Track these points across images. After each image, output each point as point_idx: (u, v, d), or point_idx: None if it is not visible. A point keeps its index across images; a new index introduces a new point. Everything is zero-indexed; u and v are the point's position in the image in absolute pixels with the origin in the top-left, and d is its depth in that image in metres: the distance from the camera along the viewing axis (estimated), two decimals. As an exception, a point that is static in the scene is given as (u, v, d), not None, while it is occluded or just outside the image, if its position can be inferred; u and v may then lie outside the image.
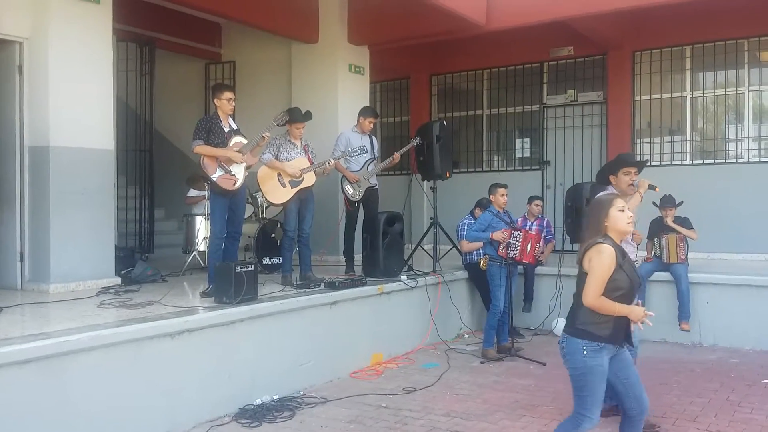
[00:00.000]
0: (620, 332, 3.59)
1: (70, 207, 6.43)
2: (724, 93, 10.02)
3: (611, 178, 5.07)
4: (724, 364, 6.81)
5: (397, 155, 7.99)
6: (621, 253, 3.57)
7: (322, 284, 6.60)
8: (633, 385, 3.66)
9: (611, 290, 3.51)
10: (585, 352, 3.52)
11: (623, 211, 3.63)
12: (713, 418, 5.09)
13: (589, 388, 3.54)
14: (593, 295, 3.49)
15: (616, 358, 3.60)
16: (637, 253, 5.11)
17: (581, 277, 3.60)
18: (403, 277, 7.38)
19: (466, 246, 7.84)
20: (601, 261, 3.49)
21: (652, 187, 5.16)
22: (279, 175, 6.87)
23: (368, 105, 9.23)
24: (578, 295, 3.61)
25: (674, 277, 7.60)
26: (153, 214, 9.95)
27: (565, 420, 3.67)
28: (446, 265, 8.36)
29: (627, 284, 3.55)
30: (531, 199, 8.71)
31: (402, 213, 7.99)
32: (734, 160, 9.92)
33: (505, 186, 7.32)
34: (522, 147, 11.76)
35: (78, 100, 6.51)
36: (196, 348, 5.01)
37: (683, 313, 7.54)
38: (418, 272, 7.76)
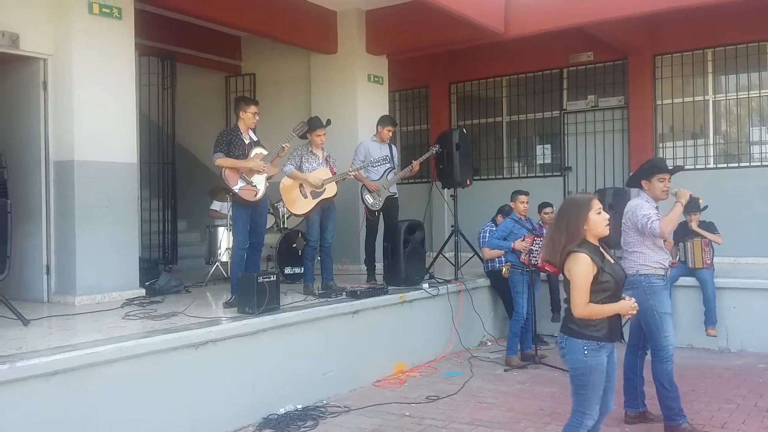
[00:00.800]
0: (616, 330, 3.62)
1: (95, 220, 6.52)
2: (747, 95, 9.91)
3: (644, 183, 5.01)
4: (752, 369, 6.71)
5: (416, 164, 8.00)
6: (599, 256, 3.56)
7: (344, 293, 6.62)
8: (607, 390, 3.69)
9: (598, 292, 3.52)
10: (585, 352, 3.55)
11: (600, 213, 3.60)
12: (741, 424, 5.01)
13: (589, 386, 3.57)
14: (581, 306, 3.50)
15: (609, 358, 3.63)
16: (669, 260, 5.02)
17: (566, 283, 3.61)
18: (425, 285, 7.37)
19: (488, 253, 7.81)
20: (578, 271, 3.49)
21: (694, 200, 5.06)
22: (301, 186, 6.91)
23: (387, 114, 9.26)
24: (569, 300, 3.62)
25: (700, 282, 7.50)
26: (176, 226, 10.05)
27: (567, 423, 3.69)
28: (468, 273, 8.34)
29: (613, 285, 3.56)
30: (541, 207, 8.34)
31: (423, 221, 7.99)
32: (759, 163, 9.79)
33: (526, 193, 7.29)
34: (543, 153, 11.71)
35: (102, 115, 6.62)
36: (219, 358, 5.04)
37: (710, 319, 7.44)
38: (440, 280, 7.75)
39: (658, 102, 10.44)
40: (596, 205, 3.61)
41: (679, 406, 4.77)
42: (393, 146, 8.23)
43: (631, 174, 5.27)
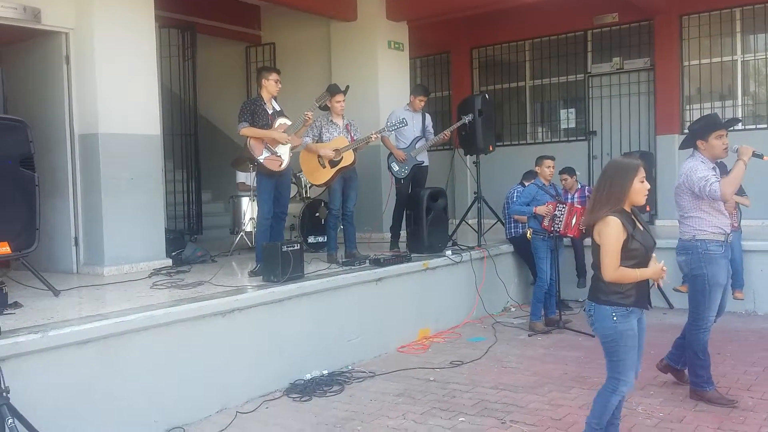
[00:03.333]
0: (644, 296, 3.58)
1: (121, 192, 6.60)
2: (776, 54, 9.67)
3: (699, 143, 4.69)
4: (781, 333, 6.66)
5: (447, 132, 7.95)
6: (630, 223, 3.49)
7: (367, 261, 6.66)
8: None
9: (626, 259, 3.47)
10: (615, 318, 3.51)
11: (643, 182, 3.53)
12: (768, 387, 4.99)
13: (622, 352, 3.53)
14: (611, 270, 3.45)
15: (638, 323, 3.59)
16: (730, 224, 4.76)
17: (595, 249, 3.55)
18: (448, 252, 7.38)
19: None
20: (608, 234, 3.43)
21: (758, 156, 4.73)
22: (319, 156, 6.92)
23: (412, 82, 9.18)
24: (597, 266, 3.57)
25: (727, 246, 7.40)
26: (200, 197, 10.13)
27: (601, 388, 3.66)
28: (491, 240, 8.33)
29: (642, 252, 3.50)
30: (561, 173, 8.20)
31: (445, 188, 7.97)
32: (789, 124, 9.59)
33: (552, 158, 7.19)
34: (567, 117, 11.57)
35: (124, 88, 6.65)
36: (246, 326, 5.13)
37: (737, 282, 7.35)
38: (463, 247, 7.75)
39: (685, 63, 10.23)
40: (642, 172, 3.53)
41: (709, 374, 4.72)
42: (427, 115, 8.17)
43: (686, 136, 4.92)
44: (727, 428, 4.23)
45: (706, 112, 10.06)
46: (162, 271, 6.50)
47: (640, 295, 3.55)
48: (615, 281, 3.48)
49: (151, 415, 4.44)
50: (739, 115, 9.90)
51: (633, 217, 3.56)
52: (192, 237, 8.73)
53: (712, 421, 4.33)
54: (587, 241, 8.18)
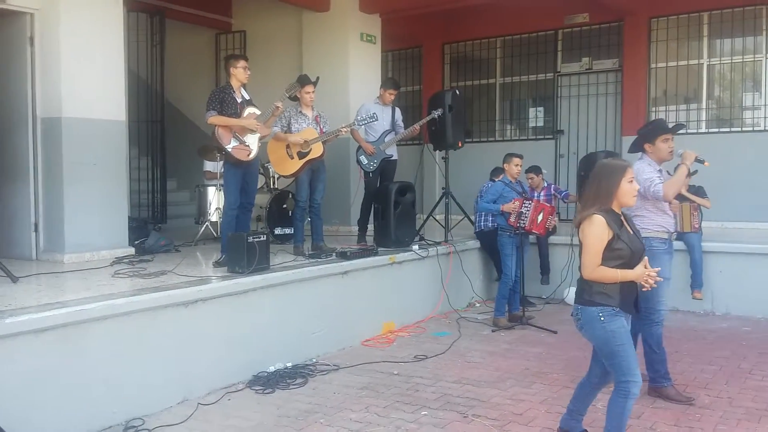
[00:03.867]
0: (628, 301, 3.56)
1: (83, 178, 6.47)
2: (741, 60, 9.86)
3: (647, 146, 4.89)
4: (736, 332, 6.81)
5: (417, 126, 7.94)
6: (617, 223, 3.51)
7: (334, 254, 6.64)
8: None
9: (611, 259, 3.46)
10: (602, 318, 3.48)
11: (632, 182, 3.56)
12: (724, 385, 5.10)
13: (621, 352, 3.49)
14: (590, 268, 3.46)
15: None
16: (674, 224, 4.98)
17: (581, 247, 3.58)
18: (415, 247, 7.40)
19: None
20: (591, 232, 3.45)
21: (700, 161, 4.91)
22: (287, 146, 6.87)
23: (384, 75, 9.16)
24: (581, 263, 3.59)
25: (687, 246, 7.56)
26: (165, 185, 10.00)
27: (612, 396, 3.58)
28: (458, 235, 8.37)
29: (627, 253, 3.49)
30: (527, 172, 8.38)
31: (414, 183, 7.98)
32: (750, 129, 9.80)
33: (520, 156, 7.25)
34: (536, 116, 11.66)
35: (89, 72, 6.51)
36: (209, 317, 5.07)
37: (696, 282, 7.52)
38: (430, 242, 7.78)
39: (653, 65, 10.38)
40: (630, 173, 3.56)
41: (666, 369, 4.82)
42: (397, 109, 8.15)
43: (635, 140, 5.11)
44: (683, 425, 4.32)
45: (671, 114, 10.27)
46: (124, 260, 6.40)
47: (625, 298, 3.53)
48: (594, 280, 3.47)
49: (111, 406, 4.37)
50: (703, 118, 10.09)
51: (622, 218, 3.57)
52: (156, 226, 8.61)
53: (669, 419, 4.42)
54: (552, 239, 8.36)
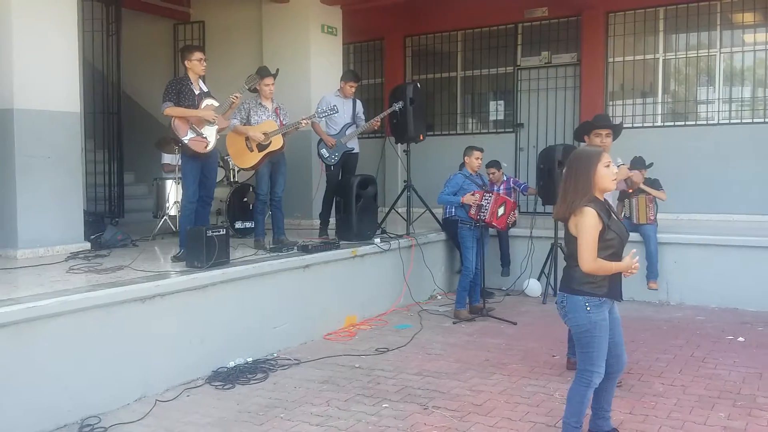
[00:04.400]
0: (616, 288, 3.62)
1: (37, 171, 6.30)
2: (696, 55, 10.07)
3: (585, 138, 5.11)
4: (690, 321, 6.97)
5: (378, 119, 7.92)
6: (606, 212, 3.52)
7: (295, 248, 6.60)
8: (617, 344, 3.73)
9: (602, 249, 3.49)
10: (588, 308, 3.52)
11: (609, 166, 3.55)
12: (678, 373, 5.22)
13: (595, 343, 3.54)
14: (589, 260, 3.45)
15: (609, 315, 3.64)
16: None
17: (570, 239, 3.58)
18: (377, 240, 7.40)
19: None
20: (585, 225, 3.44)
21: (629, 183, 5.17)
22: (247, 139, 6.79)
23: (345, 67, 9.14)
24: (571, 257, 3.60)
25: (643, 238, 7.71)
26: (122, 178, 9.80)
27: (573, 384, 3.65)
28: (420, 228, 8.39)
29: (617, 242, 3.54)
30: (488, 167, 8.44)
31: (376, 176, 7.97)
32: (704, 122, 10.01)
33: (481, 149, 7.29)
34: (496, 109, 11.75)
35: (42, 62, 6.34)
36: (167, 312, 5.00)
37: (651, 273, 7.67)
38: (392, 235, 7.79)
39: (610, 59, 10.54)
40: (606, 158, 3.55)
41: None
42: (358, 101, 8.11)
43: (576, 129, 5.34)
44: (638, 413, 4.40)
45: (628, 108, 10.47)
46: (79, 255, 6.26)
47: (613, 286, 3.58)
48: (593, 272, 3.48)
49: (66, 404, 4.29)
50: (659, 112, 10.28)
51: (608, 208, 3.59)
52: (113, 220, 8.46)
53: (624, 406, 4.50)
54: (513, 231, 8.44)
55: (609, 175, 3.53)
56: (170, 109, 5.97)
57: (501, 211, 6.94)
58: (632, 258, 3.55)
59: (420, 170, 9.78)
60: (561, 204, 3.57)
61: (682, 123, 10.12)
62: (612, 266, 3.51)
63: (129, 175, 10.46)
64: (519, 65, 11.29)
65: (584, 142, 5.19)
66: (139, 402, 4.68)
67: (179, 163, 7.19)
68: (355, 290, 7.01)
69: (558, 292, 3.75)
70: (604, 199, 3.61)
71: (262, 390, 4.95)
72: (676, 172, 9.14)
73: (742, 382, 4.99)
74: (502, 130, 11.50)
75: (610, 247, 3.52)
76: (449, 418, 4.34)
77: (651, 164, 8.05)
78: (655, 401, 4.61)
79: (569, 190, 3.53)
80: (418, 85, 8.28)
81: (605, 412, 3.85)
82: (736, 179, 9.45)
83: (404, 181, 8.56)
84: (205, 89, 6.22)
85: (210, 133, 6.11)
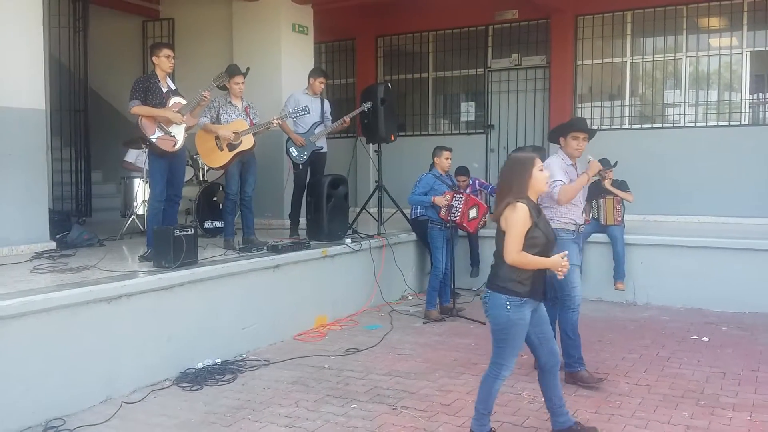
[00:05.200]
0: (539, 288, 3.73)
1: (0, 169, 6.17)
2: (663, 58, 10.22)
3: (561, 140, 5.14)
4: (656, 321, 7.08)
5: (347, 119, 7.90)
6: (536, 211, 3.68)
7: (265, 248, 6.56)
8: (548, 340, 3.85)
9: (528, 247, 3.62)
10: (508, 307, 3.64)
11: (542, 170, 3.74)
12: (643, 372, 5.29)
13: (510, 340, 3.68)
14: (514, 252, 3.58)
15: (534, 313, 3.75)
16: (583, 217, 5.19)
17: (500, 236, 3.72)
18: (348, 240, 7.39)
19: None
20: (516, 218, 3.59)
21: (601, 176, 5.23)
22: (216, 138, 6.74)
23: (314, 65, 9.08)
24: (498, 254, 3.73)
25: (610, 239, 7.81)
26: (90, 177, 9.67)
27: (484, 375, 3.80)
28: (391, 228, 8.40)
29: (543, 241, 3.67)
30: (457, 175, 8.26)
31: (347, 176, 7.96)
32: (671, 125, 10.18)
33: (449, 149, 7.34)
34: (467, 111, 11.81)
35: (5, 58, 6.21)
36: (134, 313, 4.94)
37: (618, 273, 7.78)
38: (363, 235, 7.78)
39: (579, 62, 10.65)
40: (539, 162, 3.75)
41: (580, 354, 5.00)
42: (326, 100, 8.09)
43: (551, 130, 5.38)
44: (604, 412, 4.46)
45: (597, 110, 10.58)
46: (44, 255, 6.14)
47: (535, 286, 3.69)
48: (516, 264, 3.59)
49: (29, 406, 4.22)
50: (627, 114, 10.42)
51: (540, 208, 3.74)
52: (79, 219, 8.33)
53: (590, 406, 4.56)
54: (482, 232, 8.47)
55: (542, 178, 3.73)
56: (137, 108, 5.90)
57: (473, 213, 6.94)
58: (562, 258, 3.67)
59: (391, 170, 9.79)
60: (498, 205, 3.75)
61: (650, 125, 10.27)
62: (537, 261, 3.64)
63: (96, 174, 10.32)
64: (489, 67, 11.36)
65: (558, 144, 5.21)
66: (105, 404, 4.62)
67: (145, 165, 7.11)
68: (326, 290, 6.99)
69: (485, 288, 3.87)
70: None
71: (231, 391, 4.91)
72: (643, 174, 9.27)
73: (706, 381, 5.08)
74: (473, 131, 11.56)
75: (536, 245, 3.64)
76: (417, 418, 4.35)
77: (616, 163, 8.12)
78: (621, 401, 4.67)
79: (505, 191, 3.73)
80: (390, 86, 8.29)
81: (559, 408, 3.92)
82: (703, 181, 9.62)
83: (375, 182, 8.56)
84: (173, 87, 6.16)
85: (178, 132, 6.05)
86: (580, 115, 10.47)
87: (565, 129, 5.16)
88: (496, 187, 3.84)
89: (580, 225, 5.12)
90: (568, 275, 4.87)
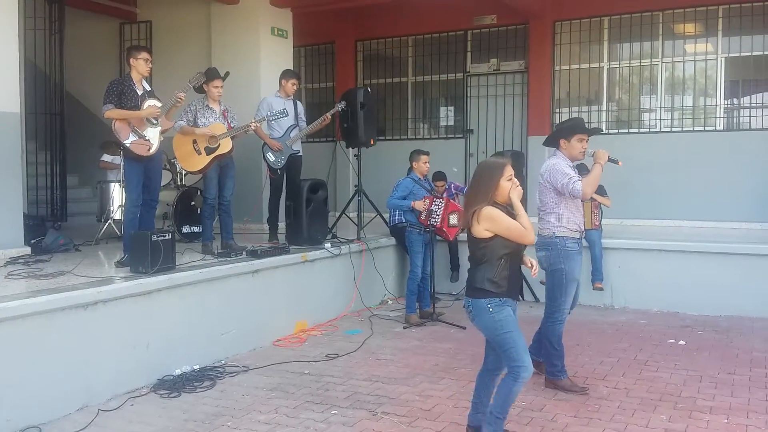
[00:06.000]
0: (515, 287, 3.77)
1: (-27, 173, 6.09)
2: (639, 64, 10.34)
3: (562, 142, 4.93)
4: (634, 325, 7.14)
5: (328, 116, 7.84)
6: (507, 213, 3.70)
7: (244, 253, 6.51)
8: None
9: (501, 247, 3.64)
10: (490, 309, 3.65)
11: (510, 180, 3.71)
12: (621, 376, 5.33)
13: (509, 339, 3.65)
14: (528, 228, 3.63)
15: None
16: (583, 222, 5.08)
17: (472, 242, 3.73)
18: (327, 245, 7.36)
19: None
20: (494, 214, 3.62)
21: (613, 161, 4.97)
22: (194, 141, 6.68)
23: (302, 71, 9.03)
24: (473, 259, 3.76)
25: (588, 243, 7.84)
26: (65, 181, 9.54)
27: (503, 379, 3.76)
28: (371, 233, 8.39)
29: (514, 243, 3.68)
30: (435, 180, 8.14)
31: (326, 180, 7.93)
32: (647, 130, 10.29)
33: (427, 153, 7.36)
34: (446, 115, 11.85)
35: (-21, 60, 6.13)
36: (110, 319, 4.87)
37: (596, 276, 7.83)
38: (342, 240, 7.76)
39: (557, 67, 10.73)
40: (508, 171, 3.71)
41: (563, 363, 4.99)
42: (298, 102, 8.05)
43: (551, 133, 5.16)
44: (583, 416, 4.48)
45: (574, 115, 10.63)
46: (19, 260, 6.06)
47: (512, 286, 3.72)
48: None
49: (4, 414, 4.14)
50: (604, 119, 10.52)
51: (509, 210, 3.72)
52: (55, 224, 8.19)
53: (569, 410, 4.58)
54: (462, 236, 8.47)
55: (507, 188, 3.70)
56: (110, 112, 5.83)
57: (453, 220, 6.93)
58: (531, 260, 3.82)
59: (371, 175, 9.78)
60: (466, 211, 3.76)
61: (626, 130, 10.37)
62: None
63: (72, 178, 10.19)
64: (468, 72, 11.41)
65: (554, 147, 5.02)
66: (81, 412, 4.55)
67: (122, 163, 7.03)
68: (306, 296, 6.96)
69: (464, 298, 3.86)
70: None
71: (209, 398, 4.86)
72: (620, 179, 9.28)
73: (683, 384, 5.12)
74: (453, 136, 11.60)
75: (508, 246, 3.67)
76: (398, 424, 4.34)
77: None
78: (599, 404, 4.70)
79: (471, 196, 3.75)
80: (369, 90, 8.28)
81: (484, 407, 3.93)
82: (679, 186, 9.74)
83: (355, 186, 8.54)
84: (148, 89, 6.10)
85: (153, 136, 5.98)
86: (557, 120, 10.57)
87: (570, 131, 4.95)
88: (465, 192, 3.83)
89: (583, 231, 4.99)
90: (565, 288, 4.88)
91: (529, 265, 3.89)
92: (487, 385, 3.95)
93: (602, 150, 4.92)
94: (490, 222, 3.63)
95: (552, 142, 5.09)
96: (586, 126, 5.21)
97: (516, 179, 3.73)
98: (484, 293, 3.65)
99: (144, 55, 5.99)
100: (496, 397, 3.77)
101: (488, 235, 3.65)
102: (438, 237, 7.52)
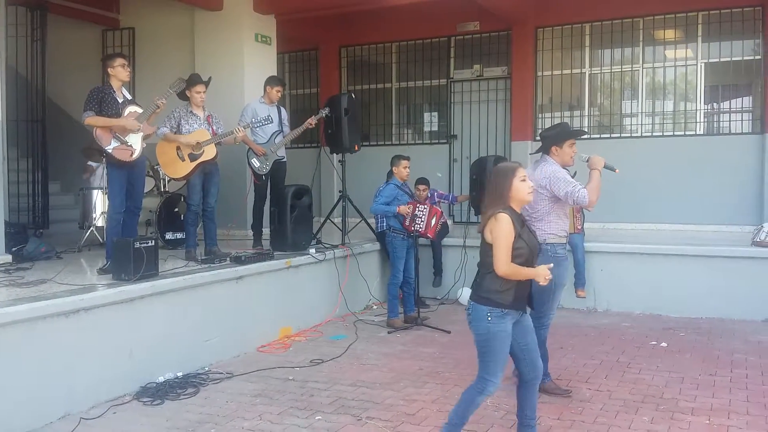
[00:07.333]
0: (522, 298, 3.72)
1: (-47, 181, 6.03)
2: (620, 70, 10.44)
3: (554, 149, 4.91)
4: (616, 327, 7.20)
5: (312, 120, 7.84)
6: (519, 222, 3.67)
7: (228, 259, 6.50)
8: (530, 351, 3.82)
9: (513, 258, 3.60)
10: (489, 318, 3.61)
11: (525, 180, 3.72)
12: (604, 378, 5.38)
13: (492, 352, 3.64)
14: (504, 263, 3.56)
15: (517, 324, 3.73)
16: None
17: (484, 248, 3.70)
18: (312, 251, 7.36)
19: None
20: (501, 229, 3.57)
21: (610, 168, 4.95)
22: (178, 148, 6.67)
23: (286, 78, 9.03)
24: (482, 265, 3.71)
25: (571, 247, 7.86)
26: (47, 188, 9.47)
27: (470, 386, 3.75)
28: (355, 238, 8.40)
29: (527, 251, 3.66)
30: (418, 184, 8.26)
31: (311, 186, 7.94)
32: (629, 135, 10.39)
33: (408, 158, 7.38)
34: (430, 121, 11.89)
35: (-41, 67, 6.08)
36: (93, 327, 4.84)
37: (579, 281, 7.88)
38: (327, 245, 7.76)
39: (539, 73, 10.81)
40: (521, 172, 3.73)
41: (546, 367, 5.00)
42: (282, 108, 8.05)
43: (543, 142, 5.05)
44: (566, 418, 4.51)
45: (557, 121, 10.71)
46: (0, 268, 6.00)
47: (518, 297, 3.68)
48: (507, 275, 3.57)
49: (-16, 424, 4.11)
50: (586, 124, 10.61)
51: (522, 218, 3.74)
52: (36, 231, 8.16)
53: (553, 412, 4.61)
54: (445, 241, 8.54)
55: (524, 187, 3.71)
56: (91, 119, 5.81)
57: (434, 221, 7.01)
58: (546, 268, 3.65)
59: (355, 180, 9.77)
60: (483, 216, 3.76)
61: (608, 135, 10.46)
62: (525, 272, 3.63)
63: (54, 185, 10.12)
64: (452, 78, 11.46)
65: (547, 153, 4.97)
66: (63, 420, 4.52)
67: (104, 170, 7.00)
68: (290, 301, 6.95)
69: (468, 300, 3.83)
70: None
71: (193, 405, 4.84)
72: (602, 183, 9.39)
73: (665, 386, 5.17)
74: (436, 141, 11.64)
75: (520, 255, 3.64)
76: (382, 429, 4.35)
77: (575, 173, 8.26)
78: (582, 407, 4.74)
79: (489, 203, 3.73)
80: (353, 96, 8.31)
81: (530, 420, 3.92)
82: (660, 190, 9.83)
83: (339, 191, 8.55)
84: (129, 97, 6.09)
85: (135, 141, 5.96)
86: (540, 126, 10.64)
87: (561, 137, 4.92)
88: (485, 200, 3.80)
89: (566, 236, 5.02)
90: (553, 294, 4.87)
91: (546, 275, 3.63)
92: (528, 397, 3.90)
93: (598, 156, 4.91)
94: (492, 229, 3.60)
95: (544, 149, 5.04)
96: (574, 130, 5.24)
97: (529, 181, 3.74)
98: (489, 301, 3.63)
99: (120, 61, 5.98)
100: (458, 404, 3.77)
101: None
102: (422, 241, 7.55)
